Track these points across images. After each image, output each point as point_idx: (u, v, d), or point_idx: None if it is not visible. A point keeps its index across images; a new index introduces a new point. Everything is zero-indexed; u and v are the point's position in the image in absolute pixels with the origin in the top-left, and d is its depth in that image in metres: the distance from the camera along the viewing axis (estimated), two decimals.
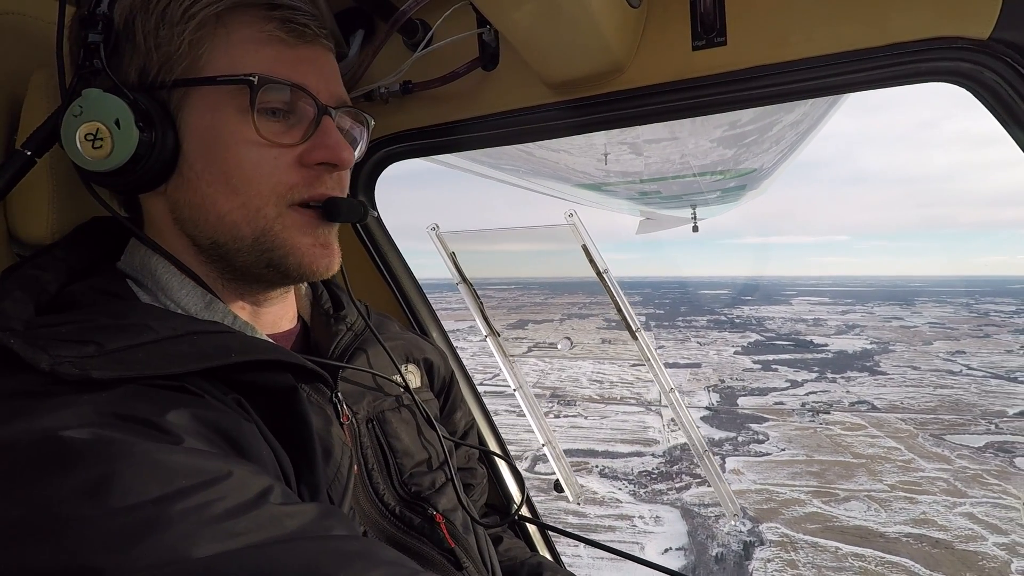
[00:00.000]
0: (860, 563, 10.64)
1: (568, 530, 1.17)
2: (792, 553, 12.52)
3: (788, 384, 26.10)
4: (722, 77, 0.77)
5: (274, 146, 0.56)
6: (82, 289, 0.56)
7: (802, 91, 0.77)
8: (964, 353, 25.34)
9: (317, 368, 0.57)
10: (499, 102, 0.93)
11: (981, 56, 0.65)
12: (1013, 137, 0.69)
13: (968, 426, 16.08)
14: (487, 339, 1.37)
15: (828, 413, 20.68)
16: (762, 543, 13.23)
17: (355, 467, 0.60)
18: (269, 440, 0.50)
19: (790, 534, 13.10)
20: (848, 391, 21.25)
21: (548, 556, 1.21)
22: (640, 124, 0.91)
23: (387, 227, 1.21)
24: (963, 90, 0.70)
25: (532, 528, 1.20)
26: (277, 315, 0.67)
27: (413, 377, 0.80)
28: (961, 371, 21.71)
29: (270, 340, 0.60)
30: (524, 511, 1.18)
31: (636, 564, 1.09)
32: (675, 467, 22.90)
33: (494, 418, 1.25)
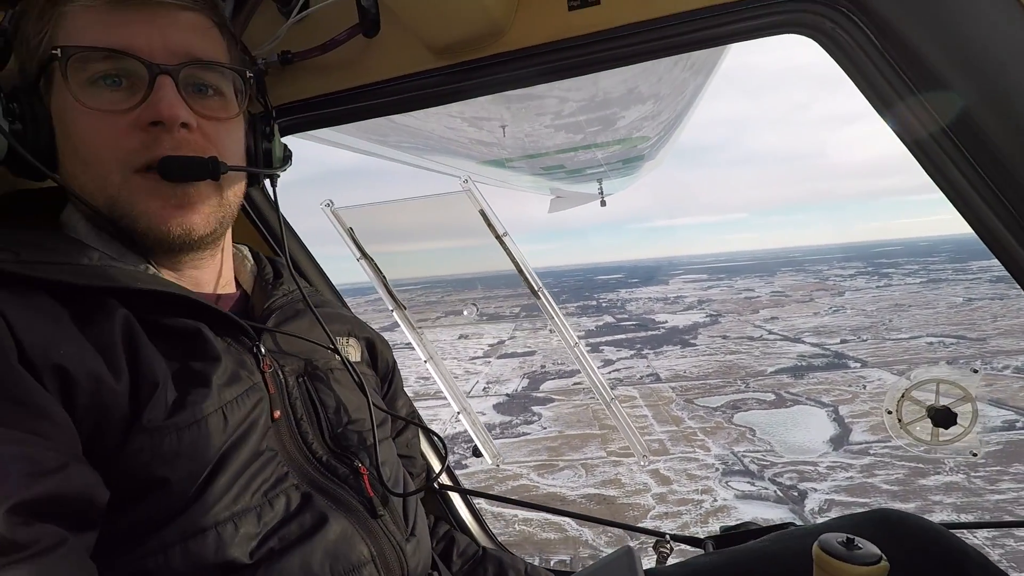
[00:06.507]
0: (524, 527, 11.12)
1: (489, 492, 1.50)
2: None
3: (601, 364, 27.79)
4: (597, 36, 0.92)
5: (109, 114, 0.64)
6: (19, 222, 0.70)
7: (670, 47, 0.92)
8: (777, 319, 28.73)
9: (233, 316, 0.71)
10: (383, 69, 1.04)
11: (823, 8, 0.83)
12: (856, 85, 0.85)
13: (724, 388, 17.96)
14: (393, 312, 1.54)
15: (615, 389, 22.24)
16: None
17: (276, 412, 0.72)
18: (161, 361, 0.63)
19: (483, 507, 13.53)
20: (649, 365, 23.04)
21: (471, 519, 1.42)
22: (522, 86, 1.02)
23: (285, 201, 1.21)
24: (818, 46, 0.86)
25: (455, 496, 1.41)
26: (202, 278, 0.78)
27: (353, 351, 0.95)
28: (760, 336, 24.52)
29: (187, 289, 0.72)
30: (445, 479, 1.42)
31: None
32: None
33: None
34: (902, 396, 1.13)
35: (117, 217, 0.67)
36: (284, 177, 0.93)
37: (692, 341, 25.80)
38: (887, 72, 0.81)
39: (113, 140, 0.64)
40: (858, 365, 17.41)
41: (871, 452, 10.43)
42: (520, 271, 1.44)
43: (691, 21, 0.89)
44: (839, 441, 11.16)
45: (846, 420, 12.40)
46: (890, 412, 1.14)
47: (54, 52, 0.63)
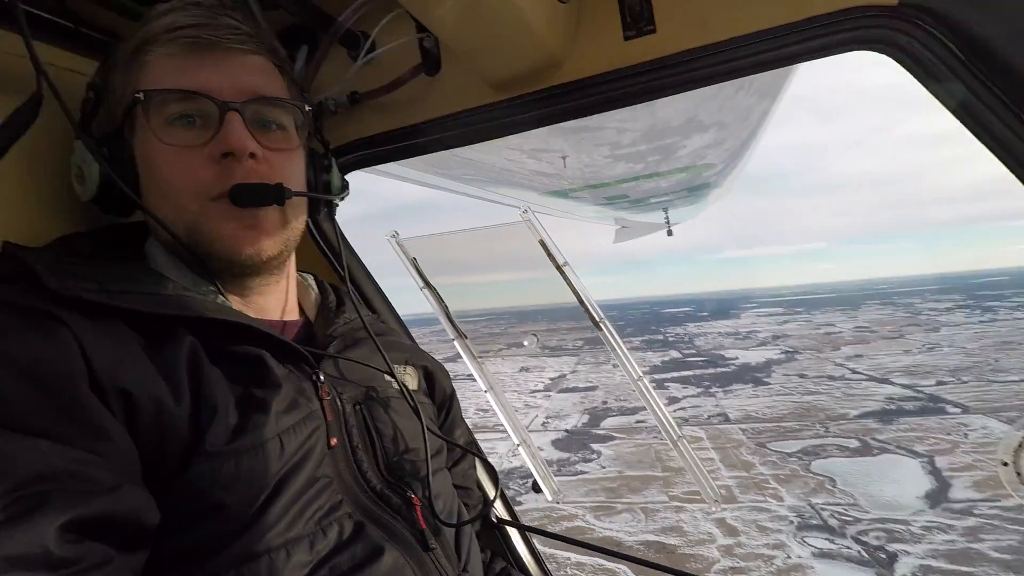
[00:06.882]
0: (576, 572, 10.72)
1: (548, 530, 1.34)
2: None
3: (667, 402, 26.70)
4: (654, 64, 0.91)
5: (186, 149, 0.71)
6: (110, 254, 0.76)
7: (731, 71, 0.89)
8: (861, 357, 26.64)
9: (294, 344, 0.75)
10: (444, 105, 1.07)
11: (895, 22, 0.77)
12: (936, 97, 0.79)
13: (800, 432, 16.74)
14: (455, 342, 1.55)
15: (680, 428, 21.11)
16: None
17: (333, 440, 0.73)
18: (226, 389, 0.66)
19: (537, 547, 13.12)
20: (717, 404, 21.96)
21: (529, 556, 1.38)
22: (581, 116, 1.02)
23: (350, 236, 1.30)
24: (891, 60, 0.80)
25: (512, 531, 1.36)
26: (268, 305, 0.83)
27: (410, 379, 0.96)
28: (842, 375, 22.84)
29: (252, 317, 0.77)
30: (501, 511, 1.36)
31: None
32: None
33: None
34: (1019, 445, 1.04)
35: (195, 242, 0.73)
36: (356, 211, 1.00)
37: (765, 379, 24.41)
38: (977, 88, 0.74)
39: (191, 173, 0.71)
40: (958, 411, 15.88)
41: (976, 512, 9.39)
42: (581, 302, 1.45)
43: (752, 44, 0.87)
44: (936, 497, 10.12)
45: (944, 473, 11.27)
46: (1006, 464, 1.04)
47: (137, 96, 0.71)
